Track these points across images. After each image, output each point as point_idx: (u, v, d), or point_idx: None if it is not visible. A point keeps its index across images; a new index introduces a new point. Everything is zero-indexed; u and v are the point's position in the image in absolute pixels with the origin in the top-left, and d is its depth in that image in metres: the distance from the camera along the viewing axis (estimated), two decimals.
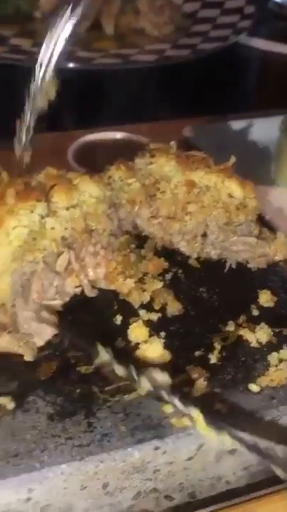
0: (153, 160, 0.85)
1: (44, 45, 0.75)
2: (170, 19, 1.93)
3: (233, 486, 0.70)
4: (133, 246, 0.82)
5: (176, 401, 0.64)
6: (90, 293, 0.76)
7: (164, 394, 0.64)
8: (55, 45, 0.75)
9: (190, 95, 1.44)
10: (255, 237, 0.83)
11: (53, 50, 0.75)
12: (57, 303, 0.73)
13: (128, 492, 0.65)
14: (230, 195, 0.82)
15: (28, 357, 0.67)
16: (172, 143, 0.86)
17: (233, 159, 0.83)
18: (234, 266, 0.85)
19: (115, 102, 1.42)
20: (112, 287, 0.77)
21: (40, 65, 0.76)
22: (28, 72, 0.78)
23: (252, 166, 0.89)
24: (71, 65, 1.63)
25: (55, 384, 0.67)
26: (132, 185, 0.84)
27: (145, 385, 0.65)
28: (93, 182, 0.76)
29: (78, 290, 0.76)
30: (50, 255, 0.72)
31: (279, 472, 0.60)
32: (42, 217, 0.71)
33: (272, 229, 0.87)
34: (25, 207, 0.69)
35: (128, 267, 0.78)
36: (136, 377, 0.65)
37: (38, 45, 1.85)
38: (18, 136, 0.78)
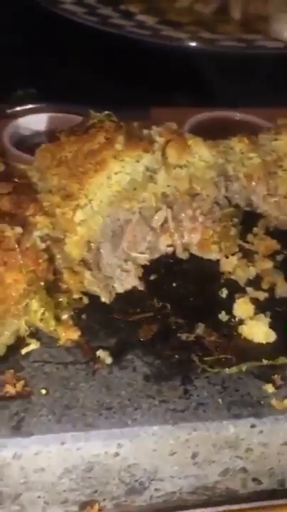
0: (279, 136, 0.81)
1: None
2: None
3: None
4: (236, 220, 0.79)
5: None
6: (181, 254, 0.76)
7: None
8: None
9: None
10: None
11: None
12: (145, 257, 0.73)
13: (217, 467, 0.62)
14: None
15: (105, 299, 0.68)
16: None
17: None
18: None
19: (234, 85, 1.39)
20: (205, 256, 0.76)
21: None
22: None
23: None
24: (193, 44, 1.62)
25: (154, 346, 0.66)
26: (253, 160, 0.81)
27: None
28: (206, 146, 0.75)
29: (170, 250, 0.75)
30: (148, 209, 0.72)
31: None
32: (148, 169, 0.70)
33: None
34: (132, 155, 0.69)
35: (224, 239, 0.76)
36: None
37: (163, 22, 1.85)
38: None
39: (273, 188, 0.81)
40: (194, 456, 0.61)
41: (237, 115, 1.14)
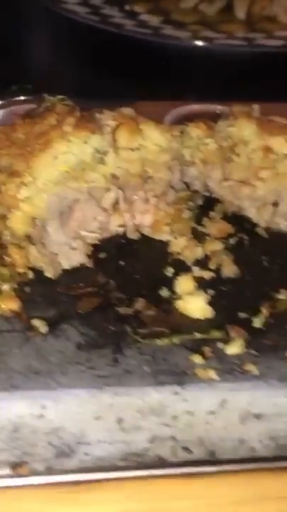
0: (234, 122, 0.83)
1: None
2: None
3: (258, 454, 0.68)
4: (192, 204, 0.82)
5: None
6: (132, 235, 0.78)
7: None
8: None
9: None
10: None
11: None
12: (95, 236, 0.76)
13: (144, 433, 0.64)
14: None
15: (50, 274, 0.71)
16: (256, 106, 0.84)
17: None
18: None
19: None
20: (156, 237, 0.78)
21: None
22: None
23: None
24: (190, 42, 1.65)
25: (91, 318, 0.69)
26: (209, 145, 0.83)
27: None
28: (158, 130, 0.77)
29: (121, 230, 0.78)
30: (98, 190, 0.74)
31: None
32: (98, 151, 0.73)
33: None
34: (79, 136, 0.72)
35: (177, 222, 0.78)
36: None
37: (168, 22, 1.88)
38: None
39: (228, 174, 0.83)
40: (119, 421, 0.63)
41: (218, 108, 1.16)
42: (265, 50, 1.67)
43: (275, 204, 0.81)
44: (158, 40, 1.63)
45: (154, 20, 1.77)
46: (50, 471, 0.64)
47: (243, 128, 0.82)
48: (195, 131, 0.84)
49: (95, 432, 0.64)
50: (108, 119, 0.77)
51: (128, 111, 0.80)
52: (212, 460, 0.67)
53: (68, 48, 1.55)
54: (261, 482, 0.65)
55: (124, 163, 0.77)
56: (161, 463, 0.66)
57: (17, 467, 0.63)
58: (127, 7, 1.82)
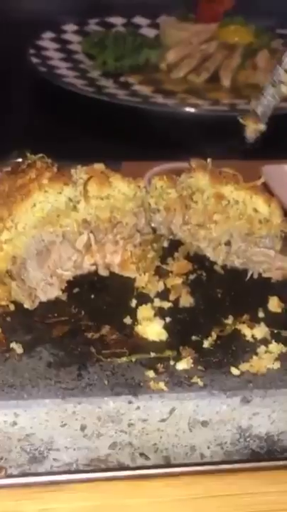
0: (193, 174, 0.96)
1: None
2: None
3: (207, 460, 0.77)
4: (156, 246, 0.93)
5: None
6: (103, 272, 0.89)
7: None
8: None
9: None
10: (276, 251, 0.91)
11: None
12: (69, 274, 0.87)
13: (105, 440, 0.74)
14: (255, 210, 0.91)
15: (28, 305, 0.82)
16: (209, 160, 0.96)
17: (262, 179, 0.92)
18: (255, 276, 0.92)
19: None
20: (124, 274, 0.89)
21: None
22: None
23: None
24: (187, 109, 1.81)
25: (62, 342, 0.79)
26: (170, 194, 0.95)
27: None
28: (124, 181, 0.89)
29: (93, 268, 0.89)
30: (72, 233, 0.86)
31: None
32: (71, 200, 0.85)
33: None
34: (54, 187, 0.84)
35: (143, 261, 0.89)
36: None
37: (157, 91, 2.05)
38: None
39: (188, 218, 0.95)
40: (83, 428, 0.73)
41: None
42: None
43: (228, 243, 0.92)
44: (148, 107, 1.80)
45: (145, 89, 1.94)
46: (24, 475, 0.74)
47: (199, 179, 0.94)
48: (159, 182, 0.96)
49: (62, 439, 0.73)
50: (81, 172, 0.90)
51: (99, 166, 0.93)
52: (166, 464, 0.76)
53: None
54: (206, 483, 0.74)
55: (95, 210, 0.89)
56: (121, 467, 0.75)
57: None
58: (122, 79, 1.99)
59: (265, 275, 0.91)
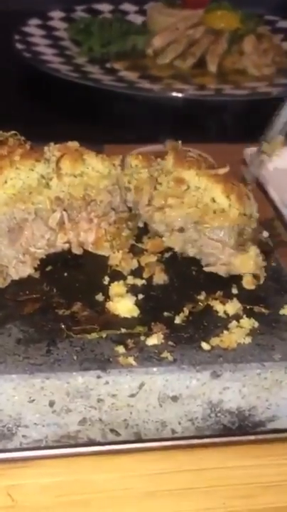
0: (166, 157, 0.95)
1: None
2: (273, 61, 2.03)
3: (179, 435, 0.77)
4: (131, 224, 0.92)
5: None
6: (76, 250, 0.88)
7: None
8: None
9: None
10: (228, 245, 0.87)
11: None
12: (41, 252, 0.86)
13: (74, 416, 0.74)
14: (213, 200, 0.88)
15: None
16: (179, 143, 0.95)
17: (226, 169, 0.90)
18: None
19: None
20: (98, 252, 0.89)
21: None
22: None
23: None
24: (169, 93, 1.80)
25: (32, 319, 0.79)
26: (141, 174, 0.94)
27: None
28: (99, 159, 0.88)
29: (66, 246, 0.88)
30: (44, 211, 0.85)
31: None
32: (44, 177, 0.84)
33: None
34: (26, 164, 0.83)
35: (117, 239, 0.89)
36: None
37: (144, 77, 2.05)
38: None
39: (150, 200, 0.93)
40: (51, 404, 0.73)
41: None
42: (231, 99, 1.82)
43: (181, 230, 0.90)
44: (133, 92, 1.79)
45: (131, 75, 1.93)
46: None
47: (169, 161, 0.93)
48: (134, 161, 0.95)
49: (31, 415, 0.73)
50: (54, 150, 0.89)
51: (73, 144, 0.92)
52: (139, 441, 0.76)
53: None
54: (177, 457, 0.73)
55: (68, 188, 0.88)
56: (91, 443, 0.74)
57: None
58: (108, 65, 1.98)
59: (207, 269, 0.88)
